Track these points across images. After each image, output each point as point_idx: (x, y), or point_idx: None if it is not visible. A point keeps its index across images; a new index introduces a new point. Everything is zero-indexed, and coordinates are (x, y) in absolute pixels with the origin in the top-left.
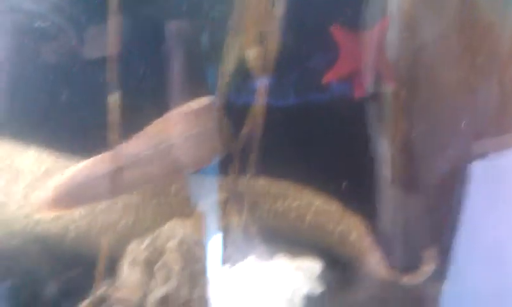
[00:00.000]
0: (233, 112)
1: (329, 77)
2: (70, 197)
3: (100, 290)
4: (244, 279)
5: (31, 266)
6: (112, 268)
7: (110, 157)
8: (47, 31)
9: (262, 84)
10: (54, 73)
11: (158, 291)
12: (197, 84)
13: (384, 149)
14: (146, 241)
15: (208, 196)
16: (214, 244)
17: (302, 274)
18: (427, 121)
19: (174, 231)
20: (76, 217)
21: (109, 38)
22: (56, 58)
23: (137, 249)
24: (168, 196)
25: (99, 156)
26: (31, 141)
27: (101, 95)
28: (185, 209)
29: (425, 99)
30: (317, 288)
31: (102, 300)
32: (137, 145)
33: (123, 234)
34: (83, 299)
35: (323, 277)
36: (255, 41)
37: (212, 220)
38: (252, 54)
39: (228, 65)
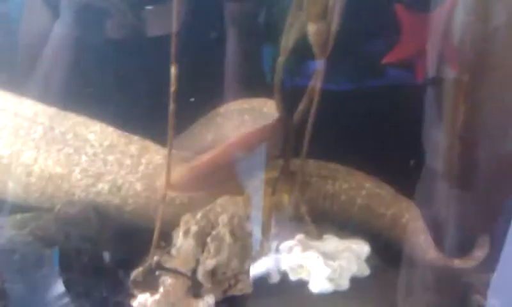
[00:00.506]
0: (290, 92)
1: (390, 58)
2: (193, 183)
3: (153, 259)
4: (292, 257)
5: (89, 234)
6: (166, 239)
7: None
8: (108, 9)
9: (320, 63)
10: (116, 50)
11: (209, 263)
12: (255, 65)
13: (442, 136)
14: (200, 214)
15: (260, 174)
16: (264, 222)
17: (350, 255)
18: (489, 108)
19: (225, 206)
20: (136, 191)
21: (171, 16)
22: (118, 35)
23: (191, 221)
24: None
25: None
26: (96, 115)
27: (160, 71)
28: (237, 187)
29: (489, 86)
30: (365, 270)
31: (156, 268)
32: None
33: (178, 210)
34: (137, 266)
35: (372, 259)
36: (317, 17)
37: (262, 199)
38: (313, 29)
39: (289, 43)
